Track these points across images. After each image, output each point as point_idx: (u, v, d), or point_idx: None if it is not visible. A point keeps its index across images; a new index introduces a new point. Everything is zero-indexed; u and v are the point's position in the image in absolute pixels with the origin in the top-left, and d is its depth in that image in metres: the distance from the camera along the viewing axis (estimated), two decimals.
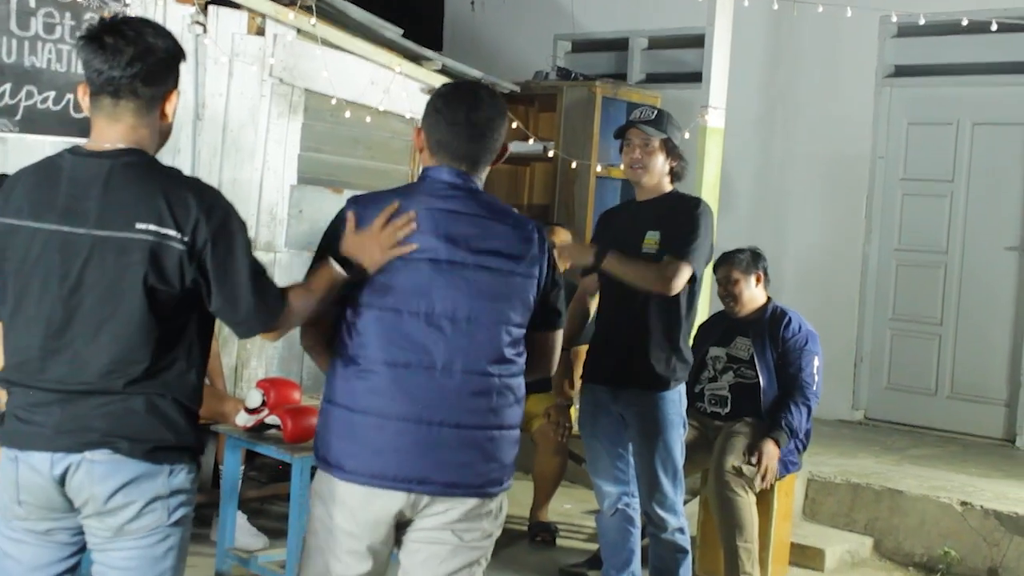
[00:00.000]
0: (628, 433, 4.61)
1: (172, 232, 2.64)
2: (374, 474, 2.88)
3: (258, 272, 2.75)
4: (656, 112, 4.63)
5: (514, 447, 3.01)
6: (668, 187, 4.62)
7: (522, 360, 3.01)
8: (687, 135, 4.83)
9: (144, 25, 2.77)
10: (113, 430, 2.65)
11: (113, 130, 2.75)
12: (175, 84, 2.81)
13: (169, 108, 2.80)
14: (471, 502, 2.93)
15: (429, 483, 2.88)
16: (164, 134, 2.82)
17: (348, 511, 2.91)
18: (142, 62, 2.72)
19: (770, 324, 5.37)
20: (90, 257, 2.65)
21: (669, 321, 4.51)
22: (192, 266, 2.66)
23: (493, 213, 3.02)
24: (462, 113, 3.02)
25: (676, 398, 4.52)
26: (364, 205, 3.00)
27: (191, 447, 2.78)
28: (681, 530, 4.59)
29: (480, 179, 3.10)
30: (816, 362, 5.31)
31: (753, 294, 5.45)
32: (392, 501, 2.89)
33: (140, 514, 2.69)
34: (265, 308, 2.76)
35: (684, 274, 4.36)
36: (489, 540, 3.02)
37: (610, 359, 4.62)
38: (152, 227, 2.64)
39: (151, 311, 2.65)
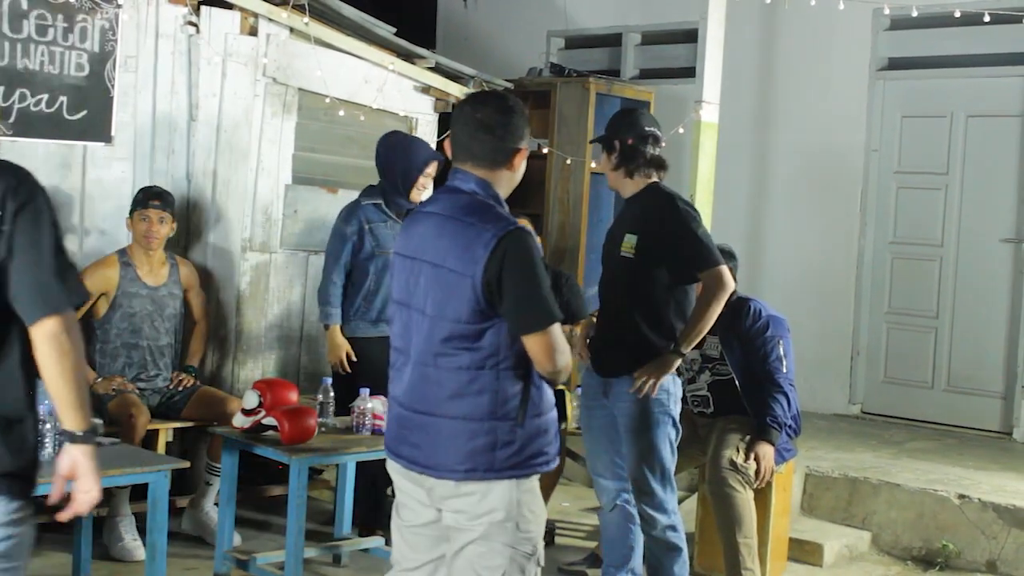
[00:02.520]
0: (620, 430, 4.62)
1: None
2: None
3: (62, 250, 2.66)
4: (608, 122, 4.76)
5: (462, 439, 3.13)
6: (642, 183, 4.62)
7: (467, 356, 3.12)
8: (680, 130, 4.82)
9: None
10: None
11: None
12: None
13: None
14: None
15: None
16: None
17: None
18: None
19: (730, 316, 5.35)
20: None
21: (652, 312, 4.50)
22: (2, 243, 2.57)
23: (464, 214, 3.17)
24: (468, 111, 3.25)
25: (663, 397, 4.50)
26: None
27: (16, 474, 2.58)
28: (672, 527, 4.57)
29: (485, 177, 3.24)
30: (781, 346, 5.28)
31: None
32: None
33: None
34: (65, 286, 2.64)
35: (721, 275, 4.45)
36: (462, 517, 3.18)
37: (601, 347, 4.65)
38: None
39: None
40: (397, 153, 5.68)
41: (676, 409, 4.54)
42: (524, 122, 3.29)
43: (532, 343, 3.10)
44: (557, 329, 3.13)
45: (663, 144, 4.67)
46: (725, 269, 4.48)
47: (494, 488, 3.15)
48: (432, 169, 5.71)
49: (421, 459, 3.20)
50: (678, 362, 4.47)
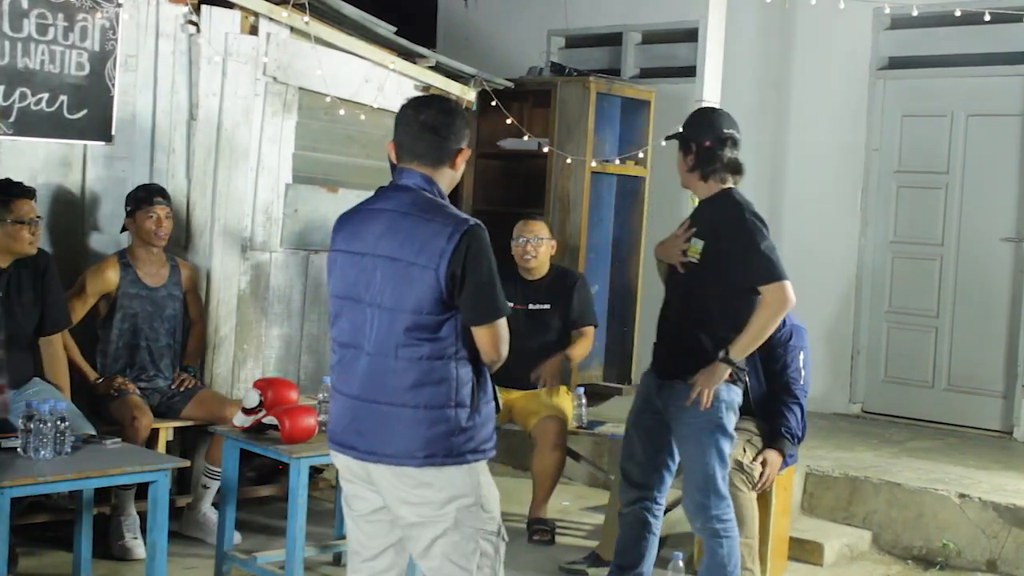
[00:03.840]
0: (670, 433, 4.59)
1: None
2: None
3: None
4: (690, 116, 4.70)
5: (423, 427, 3.27)
6: (716, 187, 4.56)
7: (428, 346, 3.26)
8: (714, 129, 4.72)
9: None
10: None
11: None
12: None
13: None
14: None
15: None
16: None
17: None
18: None
19: None
20: None
21: (710, 319, 4.46)
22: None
23: (420, 211, 3.31)
24: (411, 114, 3.41)
25: (716, 405, 4.43)
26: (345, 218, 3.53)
27: None
28: (716, 518, 4.51)
29: (433, 176, 3.39)
30: (802, 357, 5.27)
31: None
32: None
33: None
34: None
35: (783, 289, 4.39)
36: (426, 509, 3.30)
37: (660, 348, 4.63)
38: None
39: None
40: None
41: (730, 418, 4.49)
42: (464, 124, 3.45)
43: (484, 333, 3.31)
44: (504, 321, 3.33)
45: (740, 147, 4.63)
46: (788, 285, 4.41)
47: (453, 474, 3.29)
48: None
49: (379, 448, 3.31)
50: (728, 371, 4.41)
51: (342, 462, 3.43)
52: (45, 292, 5.15)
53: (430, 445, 3.26)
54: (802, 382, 5.27)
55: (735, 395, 4.52)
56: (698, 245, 4.48)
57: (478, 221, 3.32)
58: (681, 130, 4.65)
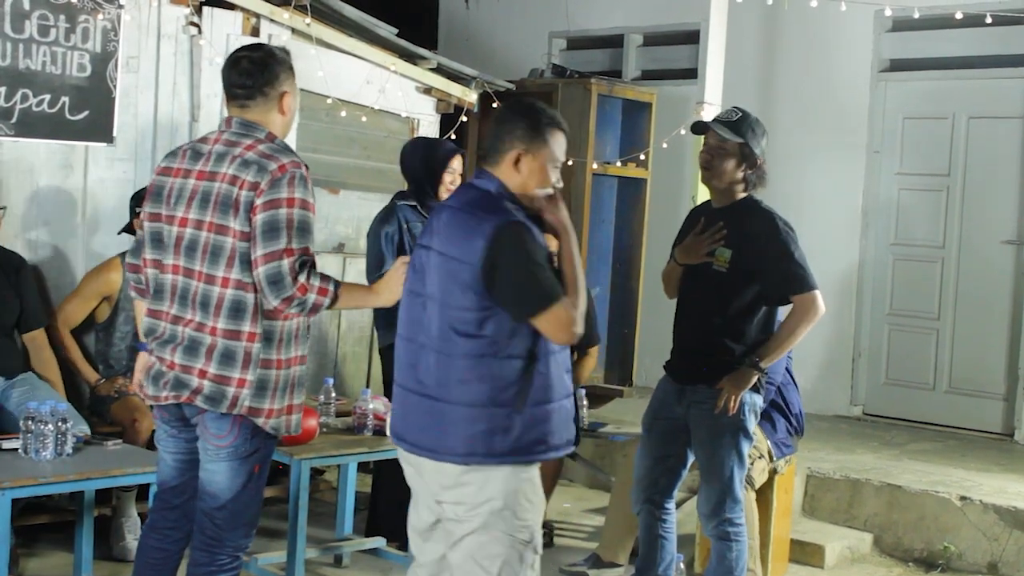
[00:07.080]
0: (687, 438, 4.56)
1: None
2: None
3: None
4: (739, 115, 4.51)
5: (464, 424, 3.25)
6: (741, 194, 4.52)
7: (472, 342, 3.24)
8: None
9: None
10: None
11: None
12: None
13: None
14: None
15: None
16: None
17: None
18: None
19: None
20: None
21: (737, 326, 4.43)
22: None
23: (470, 208, 3.32)
24: (495, 112, 3.52)
25: (741, 406, 4.41)
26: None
27: None
28: (728, 522, 4.49)
29: (496, 175, 3.39)
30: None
31: None
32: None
33: None
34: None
35: (814, 299, 4.38)
36: (461, 509, 3.29)
37: (680, 355, 4.61)
38: None
39: None
40: (418, 153, 5.46)
41: (751, 420, 4.48)
42: (523, 127, 3.38)
43: (541, 324, 3.25)
44: (560, 306, 3.24)
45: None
46: (819, 294, 4.40)
47: (493, 476, 3.26)
48: (457, 164, 5.45)
49: (426, 443, 3.31)
50: (756, 376, 4.40)
51: (402, 458, 3.47)
52: (20, 290, 5.20)
53: (470, 444, 3.24)
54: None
55: (757, 400, 4.51)
56: (726, 254, 4.44)
57: (517, 219, 3.27)
58: (747, 136, 4.46)
